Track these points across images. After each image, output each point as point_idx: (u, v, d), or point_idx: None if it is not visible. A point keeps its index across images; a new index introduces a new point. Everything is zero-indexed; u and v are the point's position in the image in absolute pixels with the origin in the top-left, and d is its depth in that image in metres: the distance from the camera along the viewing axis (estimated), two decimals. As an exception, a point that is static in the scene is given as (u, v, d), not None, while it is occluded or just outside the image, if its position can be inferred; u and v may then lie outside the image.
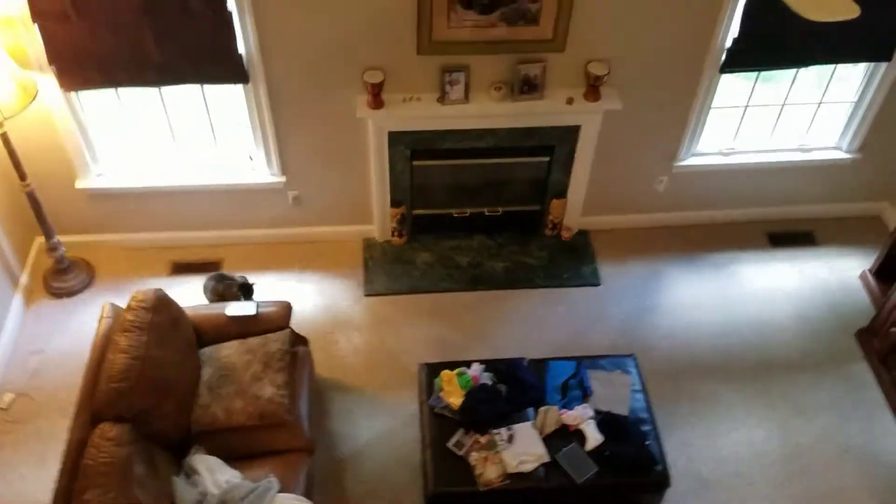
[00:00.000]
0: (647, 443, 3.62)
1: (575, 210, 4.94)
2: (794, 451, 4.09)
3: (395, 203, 4.79)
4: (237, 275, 4.43)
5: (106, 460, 2.98)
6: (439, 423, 3.71)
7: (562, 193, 4.85)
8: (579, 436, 3.65)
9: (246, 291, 4.37)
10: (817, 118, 4.81)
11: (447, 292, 4.77)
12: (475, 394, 3.75)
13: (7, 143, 3.98)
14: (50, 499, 3.02)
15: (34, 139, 4.25)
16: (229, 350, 3.71)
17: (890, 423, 4.20)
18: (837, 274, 4.93)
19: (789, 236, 5.15)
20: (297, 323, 4.50)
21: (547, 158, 4.65)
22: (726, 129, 4.79)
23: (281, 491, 3.37)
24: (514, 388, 3.80)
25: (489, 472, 3.52)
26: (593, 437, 3.61)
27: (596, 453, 3.59)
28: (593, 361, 3.95)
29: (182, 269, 4.84)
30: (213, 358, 3.68)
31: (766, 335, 4.59)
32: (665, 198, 5.00)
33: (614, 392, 3.82)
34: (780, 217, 5.20)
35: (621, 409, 3.76)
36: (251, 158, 4.58)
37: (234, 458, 3.51)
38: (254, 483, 3.34)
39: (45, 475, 3.86)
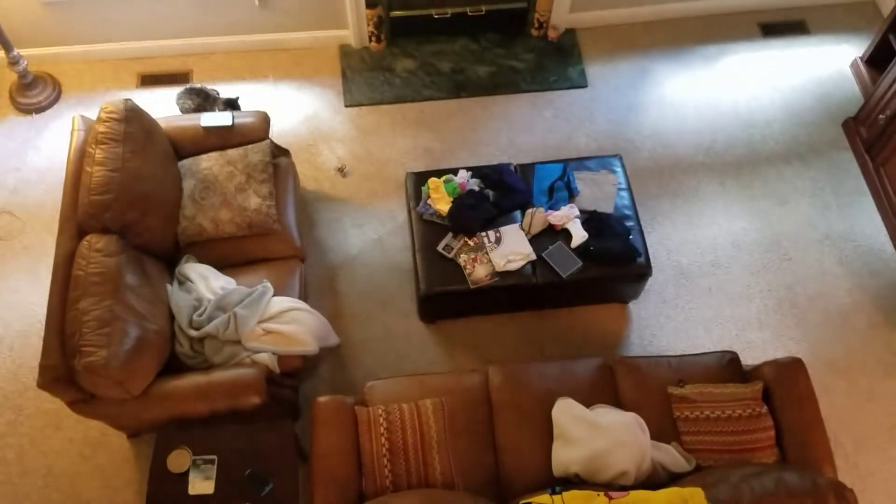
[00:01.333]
0: (630, 237, 3.68)
1: (562, 6, 4.68)
2: (774, 239, 4.19)
3: (370, 3, 4.50)
4: (210, 88, 4.25)
5: (97, 270, 3.00)
6: (428, 228, 3.74)
7: (548, -13, 4.58)
8: (565, 235, 3.70)
9: (231, 108, 4.22)
10: None
11: (431, 100, 4.62)
12: (463, 199, 3.75)
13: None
14: (45, 310, 3.07)
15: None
16: (209, 162, 3.64)
17: (871, 209, 4.28)
18: (828, 63, 4.80)
19: (781, 25, 4.95)
20: (276, 135, 4.42)
21: (532, -54, 4.34)
22: None
23: (276, 295, 3.45)
24: (501, 193, 3.80)
25: (478, 271, 3.61)
26: (578, 235, 3.67)
27: (581, 250, 3.66)
28: (580, 163, 3.93)
29: (150, 80, 4.64)
30: (193, 170, 3.62)
31: (752, 129, 4.55)
32: (656, -12, 4.74)
33: (600, 191, 3.83)
34: (772, 5, 4.97)
35: (606, 208, 3.79)
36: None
37: (225, 266, 3.57)
38: (249, 288, 3.41)
39: (38, 288, 3.94)
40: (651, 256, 3.82)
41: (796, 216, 4.27)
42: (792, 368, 3.17)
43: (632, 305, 3.98)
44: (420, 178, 3.87)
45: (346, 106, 4.59)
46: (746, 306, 3.99)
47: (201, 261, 3.55)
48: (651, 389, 3.21)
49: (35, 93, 4.46)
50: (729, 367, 3.28)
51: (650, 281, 3.87)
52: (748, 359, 3.78)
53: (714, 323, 3.94)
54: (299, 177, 4.22)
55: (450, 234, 3.71)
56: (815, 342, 3.90)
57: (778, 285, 4.06)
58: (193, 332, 3.27)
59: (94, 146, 3.25)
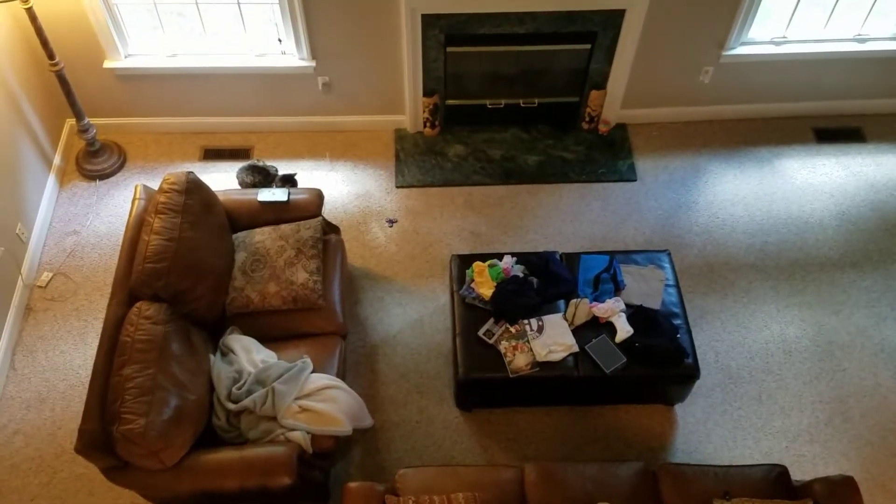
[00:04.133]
0: (677, 336, 3.60)
1: (614, 102, 4.77)
2: (827, 349, 4.06)
3: (427, 92, 4.65)
4: (269, 165, 4.39)
5: (144, 337, 3.04)
6: (470, 312, 3.73)
7: (601, 84, 4.67)
8: (609, 328, 3.65)
9: (289, 183, 4.35)
10: (877, 6, 4.50)
11: (479, 185, 4.70)
12: (506, 285, 3.74)
13: (34, 19, 3.88)
14: (89, 374, 3.10)
15: (61, 16, 4.15)
16: (262, 236, 3.72)
17: (927, 324, 4.15)
18: (884, 172, 4.75)
19: (836, 132, 4.95)
20: (329, 212, 4.50)
21: (588, 46, 4.45)
22: (779, 15, 4.52)
23: (314, 371, 3.45)
24: (545, 281, 3.78)
25: (518, 360, 3.56)
26: (623, 330, 3.61)
27: (626, 345, 3.59)
28: (627, 256, 3.91)
29: (213, 155, 4.81)
30: (247, 243, 3.70)
31: (806, 233, 4.49)
32: (709, 90, 4.79)
33: (647, 286, 3.79)
34: (827, 112, 4.99)
35: (653, 304, 3.73)
36: (280, 41, 4.43)
37: (268, 339, 3.59)
38: (289, 363, 3.41)
39: (84, 351, 3.99)
40: (699, 358, 3.73)
41: (850, 326, 4.14)
42: (844, 487, 3.02)
43: (677, 408, 3.86)
44: (465, 261, 3.89)
45: (398, 187, 4.68)
46: (798, 417, 3.84)
47: (245, 332, 3.58)
48: (695, 500, 3.07)
49: (101, 160, 4.65)
50: (777, 482, 3.13)
51: (697, 383, 3.76)
52: (798, 473, 3.60)
53: (763, 433, 3.79)
54: (347, 253, 4.27)
55: (491, 320, 3.68)
56: (868, 460, 3.71)
57: (831, 397, 3.90)
58: (231, 406, 3.26)
59: (153, 215, 3.35)
